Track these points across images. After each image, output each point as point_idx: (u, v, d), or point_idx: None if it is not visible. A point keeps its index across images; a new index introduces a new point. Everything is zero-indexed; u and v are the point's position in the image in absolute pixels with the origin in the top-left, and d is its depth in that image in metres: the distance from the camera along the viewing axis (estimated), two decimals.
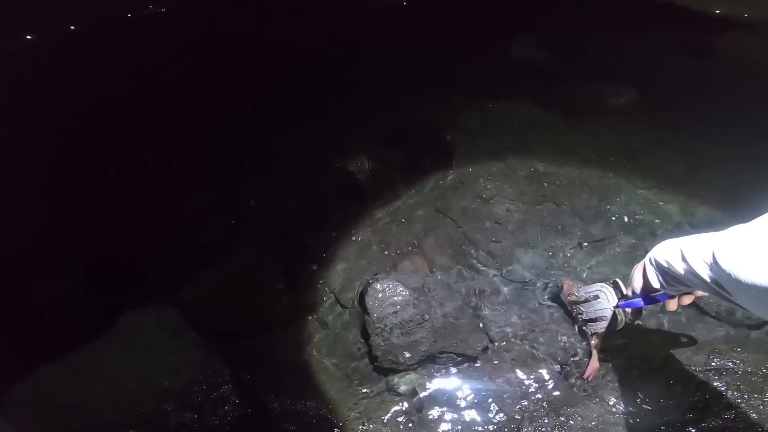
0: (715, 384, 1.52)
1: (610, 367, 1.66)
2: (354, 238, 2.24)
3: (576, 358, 1.71)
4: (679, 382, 1.56)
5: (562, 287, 1.84)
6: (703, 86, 3.76)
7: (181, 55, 3.75)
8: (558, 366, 1.70)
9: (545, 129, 2.86)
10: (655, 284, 1.14)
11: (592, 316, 1.58)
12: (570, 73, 3.67)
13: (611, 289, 1.51)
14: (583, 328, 1.65)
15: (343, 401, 1.70)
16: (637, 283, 1.25)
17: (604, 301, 1.52)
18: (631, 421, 1.51)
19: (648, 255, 1.16)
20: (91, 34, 3.95)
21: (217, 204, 2.47)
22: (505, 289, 1.98)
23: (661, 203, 2.19)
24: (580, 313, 1.64)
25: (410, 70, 3.90)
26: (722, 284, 0.78)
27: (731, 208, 2.17)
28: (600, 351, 1.64)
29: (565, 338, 1.77)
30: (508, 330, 1.83)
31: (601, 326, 1.55)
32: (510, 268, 2.04)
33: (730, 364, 1.55)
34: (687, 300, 1.22)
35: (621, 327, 1.50)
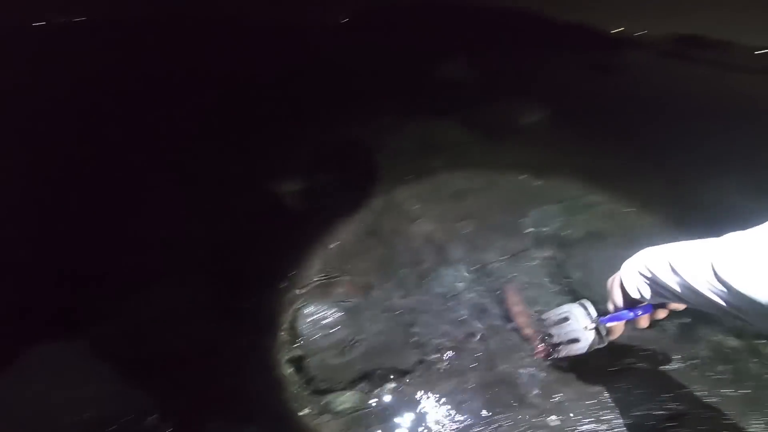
0: (621, 384, 1.67)
1: (534, 374, 1.77)
2: (283, 263, 2.24)
3: (505, 366, 1.80)
4: (591, 384, 1.71)
5: (505, 294, 1.96)
6: (605, 101, 4.15)
7: (94, 69, 3.57)
8: (489, 374, 1.79)
9: (469, 148, 3.04)
10: (635, 294, 1.05)
11: (564, 339, 1.47)
12: (492, 92, 3.91)
13: (581, 309, 1.41)
14: (553, 352, 1.53)
15: (282, 425, 1.69)
16: (616, 298, 1.16)
17: (574, 322, 1.40)
18: (553, 424, 1.62)
19: (625, 266, 1.08)
20: None
21: (139, 228, 2.38)
22: (435, 305, 2.05)
23: (569, 216, 2.40)
24: (550, 337, 1.54)
25: (343, 89, 3.96)
26: (724, 297, 0.73)
27: (633, 217, 2.42)
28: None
29: (495, 347, 1.86)
30: (439, 343, 1.90)
31: (578, 347, 1.43)
32: (438, 284, 2.13)
33: (633, 364, 1.72)
34: (661, 314, 1.15)
35: (592, 349, 1.40)
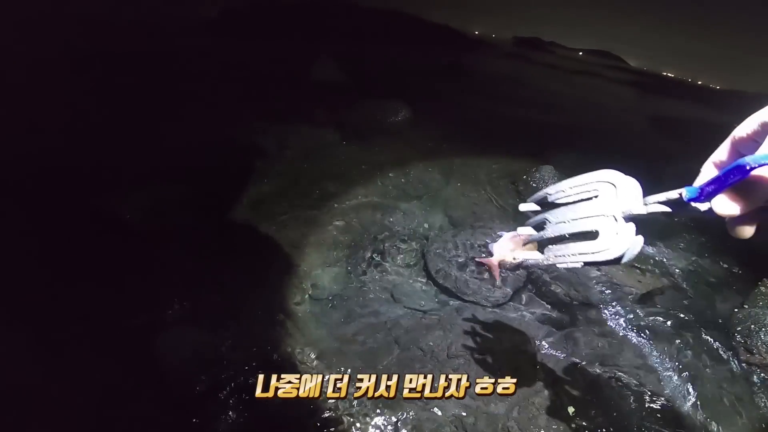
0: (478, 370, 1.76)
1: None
2: (148, 290, 2.02)
3: (392, 360, 1.82)
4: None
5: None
6: (460, 100, 4.55)
7: None
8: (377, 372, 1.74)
9: (337, 150, 3.08)
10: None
11: (568, 230, 0.83)
12: (361, 92, 4.02)
13: (626, 184, 0.74)
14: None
15: None
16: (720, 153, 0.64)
17: (602, 204, 0.79)
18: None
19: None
20: None
21: None
22: (314, 309, 2.03)
23: (428, 209, 2.58)
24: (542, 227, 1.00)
25: (211, 89, 3.75)
26: None
27: (477, 207, 2.69)
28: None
29: (375, 345, 1.87)
30: (318, 350, 1.85)
31: (589, 251, 0.77)
32: (315, 288, 2.12)
33: (485, 345, 1.85)
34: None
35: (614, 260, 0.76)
